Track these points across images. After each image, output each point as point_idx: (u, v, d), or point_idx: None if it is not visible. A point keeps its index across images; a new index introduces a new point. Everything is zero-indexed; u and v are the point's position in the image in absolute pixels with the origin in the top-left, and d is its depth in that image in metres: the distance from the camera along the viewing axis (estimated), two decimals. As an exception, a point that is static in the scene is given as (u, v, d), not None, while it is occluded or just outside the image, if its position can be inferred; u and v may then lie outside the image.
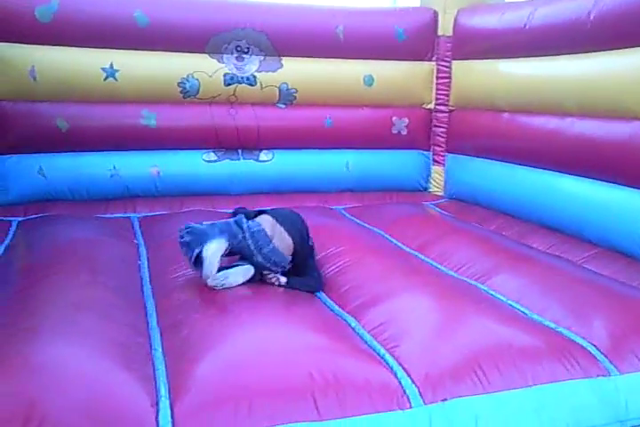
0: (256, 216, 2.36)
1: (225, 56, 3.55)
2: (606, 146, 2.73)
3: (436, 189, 4.09)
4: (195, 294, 2.12)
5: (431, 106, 4.00)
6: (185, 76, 3.50)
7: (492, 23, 3.48)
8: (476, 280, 2.38)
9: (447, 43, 3.86)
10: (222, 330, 1.80)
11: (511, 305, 2.13)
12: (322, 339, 1.78)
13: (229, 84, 3.59)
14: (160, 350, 1.75)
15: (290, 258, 2.26)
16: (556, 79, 3.03)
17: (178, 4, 3.48)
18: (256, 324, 1.86)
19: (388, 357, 1.72)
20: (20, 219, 3.18)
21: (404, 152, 4.02)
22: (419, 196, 4.01)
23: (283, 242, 2.24)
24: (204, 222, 2.31)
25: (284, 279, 2.25)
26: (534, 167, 3.20)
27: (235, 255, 2.27)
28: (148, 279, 2.36)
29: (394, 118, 3.93)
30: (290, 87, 3.70)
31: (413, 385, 1.59)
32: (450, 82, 3.90)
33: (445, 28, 3.86)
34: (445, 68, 3.90)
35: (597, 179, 2.80)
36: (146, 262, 2.57)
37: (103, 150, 3.49)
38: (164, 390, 1.51)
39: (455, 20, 3.80)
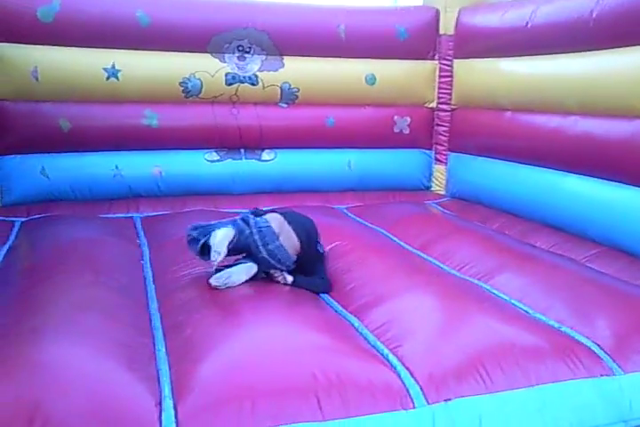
0: (265, 214, 2.36)
1: (227, 56, 3.55)
2: (609, 144, 2.73)
3: (438, 188, 4.09)
4: (198, 294, 2.12)
5: (433, 105, 4.00)
6: (187, 76, 3.50)
7: (493, 22, 3.47)
8: (479, 279, 2.38)
9: (449, 41, 3.86)
10: (225, 330, 1.80)
11: (514, 304, 2.12)
12: (325, 339, 1.78)
13: (231, 84, 3.59)
14: (163, 350, 1.75)
15: (295, 258, 2.25)
16: (559, 78, 3.02)
17: (179, 3, 3.48)
18: (259, 324, 1.86)
19: (391, 357, 1.72)
20: (22, 219, 3.18)
21: (406, 151, 4.02)
22: (421, 195, 4.01)
23: (289, 240, 2.23)
24: (213, 221, 2.31)
25: (290, 278, 2.24)
26: (537, 166, 3.20)
27: (239, 254, 2.26)
28: (151, 279, 2.37)
29: (396, 117, 3.93)
30: (292, 86, 3.70)
31: (417, 385, 1.59)
32: (452, 81, 3.90)
33: (447, 26, 3.85)
34: (447, 67, 3.90)
35: (600, 177, 2.79)
36: (149, 262, 2.57)
37: (105, 150, 3.49)
38: (167, 391, 1.51)
39: (457, 19, 3.80)
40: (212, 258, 2.11)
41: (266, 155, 3.78)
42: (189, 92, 3.54)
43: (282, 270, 2.24)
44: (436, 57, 3.92)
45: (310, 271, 2.32)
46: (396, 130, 3.95)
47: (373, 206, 3.66)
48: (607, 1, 2.67)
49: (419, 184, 4.08)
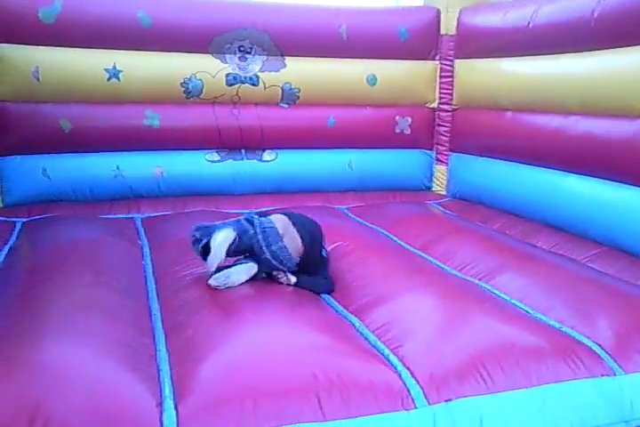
0: (269, 215, 2.35)
1: (228, 56, 3.56)
2: (610, 144, 2.73)
3: (439, 189, 4.09)
4: (199, 294, 2.12)
5: (434, 105, 4.00)
6: (188, 77, 3.50)
7: (495, 22, 3.47)
8: (480, 279, 2.38)
9: (450, 42, 3.86)
10: (226, 330, 1.80)
11: (515, 304, 2.12)
12: (326, 339, 1.78)
13: (232, 85, 3.60)
14: (164, 350, 1.75)
15: (297, 260, 2.24)
16: (560, 78, 3.02)
17: (180, 4, 3.49)
18: (260, 324, 1.86)
19: (392, 357, 1.72)
20: (23, 220, 3.19)
21: (407, 151, 4.02)
22: (422, 195, 4.00)
23: (293, 242, 2.23)
24: (217, 222, 2.31)
25: (293, 279, 2.24)
26: (538, 166, 3.19)
27: (242, 254, 2.26)
28: (152, 279, 2.37)
29: (397, 117, 3.93)
30: (293, 87, 3.70)
31: (417, 385, 1.59)
32: (453, 81, 3.90)
33: (448, 26, 3.85)
34: (448, 67, 3.90)
35: (601, 177, 2.79)
36: (150, 263, 2.57)
37: (107, 151, 3.49)
38: (168, 391, 1.51)
39: (458, 19, 3.80)
40: (210, 261, 2.11)
41: (267, 155, 3.78)
42: (190, 93, 3.54)
43: (285, 271, 2.24)
44: (437, 57, 3.92)
45: (313, 273, 2.31)
46: (397, 130, 3.95)
47: (374, 207, 3.66)
48: (608, 1, 2.67)
49: (420, 184, 4.08)
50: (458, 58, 3.84)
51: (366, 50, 3.78)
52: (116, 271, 2.35)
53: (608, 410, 1.65)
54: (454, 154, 3.96)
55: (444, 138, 4.02)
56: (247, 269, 2.20)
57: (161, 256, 2.62)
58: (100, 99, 3.42)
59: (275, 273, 2.25)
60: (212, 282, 2.12)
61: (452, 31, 3.84)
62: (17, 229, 3.01)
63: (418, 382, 1.60)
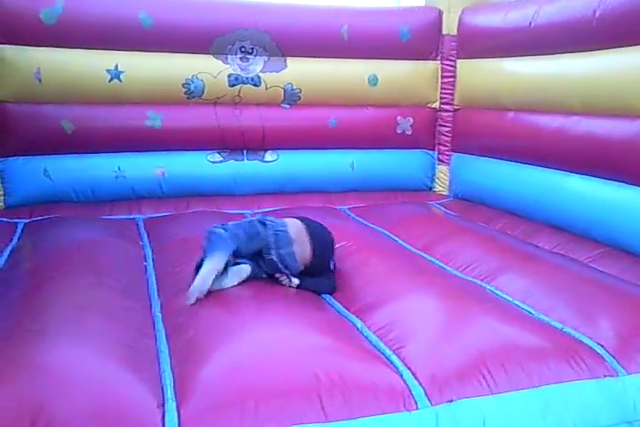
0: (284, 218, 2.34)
1: (229, 57, 3.56)
2: (612, 144, 2.72)
3: (441, 189, 4.09)
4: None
5: (436, 105, 3.99)
6: (189, 77, 3.50)
7: (496, 22, 3.47)
8: (482, 280, 2.37)
9: (452, 42, 3.85)
10: (228, 331, 1.80)
11: (517, 305, 2.12)
12: (327, 340, 1.78)
13: (234, 85, 3.60)
14: (166, 351, 1.75)
15: (302, 268, 2.22)
16: (562, 78, 3.02)
17: (182, 5, 3.49)
18: (261, 325, 1.86)
19: (393, 358, 1.72)
20: (25, 221, 3.19)
21: (408, 152, 4.02)
22: (424, 195, 4.00)
23: (302, 249, 2.20)
24: (230, 222, 2.31)
25: (296, 281, 2.23)
26: (540, 166, 3.19)
27: (250, 256, 2.23)
28: (153, 280, 2.36)
29: (398, 118, 3.93)
30: (294, 87, 3.70)
31: (420, 386, 1.59)
32: (454, 81, 3.89)
33: (450, 27, 3.85)
34: (450, 68, 3.89)
35: (603, 177, 2.79)
36: (151, 263, 2.57)
37: (108, 152, 3.49)
38: (170, 392, 1.51)
39: (460, 19, 3.79)
40: (190, 292, 2.01)
41: (268, 156, 3.78)
42: (192, 94, 3.54)
43: (287, 275, 2.23)
44: (439, 57, 3.91)
45: (317, 276, 2.29)
46: (399, 130, 3.95)
47: (376, 207, 3.66)
48: (610, 0, 2.66)
49: (421, 185, 4.08)
50: (459, 58, 3.83)
51: (368, 50, 3.77)
52: (118, 272, 2.35)
53: (611, 411, 1.64)
54: (456, 154, 3.96)
55: (445, 138, 4.01)
56: (238, 272, 2.17)
57: (163, 257, 2.62)
58: (102, 100, 3.42)
59: (277, 275, 2.24)
60: (188, 301, 2.02)
61: (454, 31, 3.84)
62: (19, 231, 3.01)
63: (420, 383, 1.60)
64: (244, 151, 3.74)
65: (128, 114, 3.49)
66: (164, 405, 1.46)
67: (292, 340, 1.76)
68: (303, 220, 2.33)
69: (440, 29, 3.87)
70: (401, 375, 1.63)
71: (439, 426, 1.52)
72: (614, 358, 1.76)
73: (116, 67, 3.36)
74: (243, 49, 3.56)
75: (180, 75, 3.49)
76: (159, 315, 2.02)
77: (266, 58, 3.61)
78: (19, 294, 2.11)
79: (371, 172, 3.93)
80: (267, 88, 3.65)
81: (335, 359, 1.65)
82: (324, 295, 2.25)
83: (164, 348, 1.77)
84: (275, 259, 2.18)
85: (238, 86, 3.61)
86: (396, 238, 2.96)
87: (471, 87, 3.79)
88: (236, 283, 2.15)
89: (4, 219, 3.21)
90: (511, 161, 3.41)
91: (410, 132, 3.96)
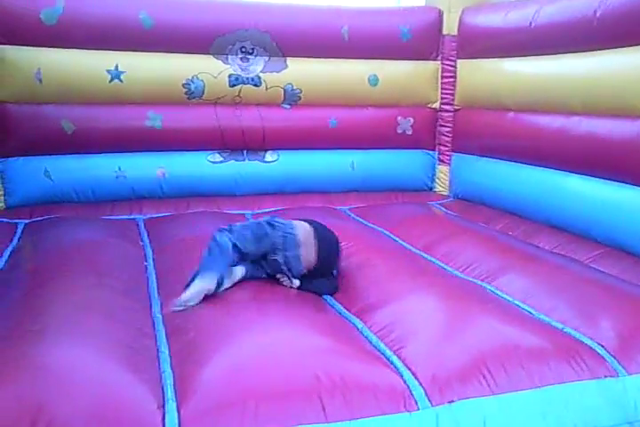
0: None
1: (230, 57, 3.56)
2: (613, 145, 2.72)
3: (441, 189, 4.08)
4: (201, 296, 2.12)
5: (436, 105, 3.99)
6: (190, 78, 3.50)
7: (497, 22, 3.47)
8: (483, 280, 2.37)
9: (452, 42, 3.85)
10: (228, 332, 1.80)
11: (518, 305, 2.12)
12: (328, 341, 1.78)
13: (234, 85, 3.60)
14: (167, 352, 1.74)
15: (304, 272, 2.22)
16: (562, 78, 3.02)
17: (182, 5, 3.49)
18: (262, 326, 1.86)
19: (394, 358, 1.71)
20: (26, 221, 3.19)
21: (409, 152, 4.02)
22: (424, 195, 4.00)
23: (308, 254, 2.20)
24: (238, 223, 2.31)
25: (297, 282, 2.22)
26: (540, 166, 3.19)
27: (258, 259, 2.23)
28: (154, 281, 2.36)
29: (399, 118, 3.93)
30: (294, 88, 3.70)
31: (420, 387, 1.59)
32: (455, 81, 3.89)
33: (450, 27, 3.85)
34: (450, 68, 3.89)
35: (604, 178, 2.79)
36: (152, 264, 2.56)
37: (109, 152, 3.49)
38: (170, 393, 1.51)
39: (460, 19, 3.79)
40: (176, 303, 2.00)
41: (269, 156, 3.78)
42: (192, 94, 3.54)
43: (289, 276, 2.23)
44: (439, 57, 3.91)
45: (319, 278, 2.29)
46: (399, 131, 3.95)
47: (376, 207, 3.66)
48: (611, 0, 2.66)
49: (422, 185, 4.08)
50: (460, 58, 3.83)
51: (368, 50, 3.77)
52: (118, 272, 2.35)
53: (612, 412, 1.64)
54: (456, 154, 3.95)
55: (446, 138, 4.01)
56: (231, 274, 2.16)
57: (163, 257, 2.62)
58: (102, 100, 3.42)
59: (278, 276, 2.24)
60: (175, 308, 2.02)
61: (454, 31, 3.84)
62: (19, 231, 3.01)
63: (420, 384, 1.60)
64: (245, 151, 3.74)
65: (128, 114, 3.49)
66: (164, 405, 1.46)
67: (293, 341, 1.76)
68: (311, 223, 2.32)
69: (440, 29, 3.87)
70: (401, 376, 1.62)
71: (440, 427, 1.52)
72: (615, 358, 1.76)
73: (117, 67, 3.36)
74: (243, 49, 3.56)
75: (181, 75, 3.49)
76: (159, 315, 2.02)
77: (266, 58, 3.61)
78: (19, 294, 2.11)
79: (371, 172, 3.93)
80: (267, 88, 3.65)
81: (336, 360, 1.65)
82: (324, 296, 2.25)
83: (164, 348, 1.77)
84: (280, 260, 2.18)
85: (239, 86, 3.61)
86: (397, 239, 2.96)
87: (472, 87, 3.79)
88: (229, 285, 2.14)
89: (5, 219, 3.21)
90: (512, 161, 3.41)
91: (410, 133, 3.96)
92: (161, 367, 1.65)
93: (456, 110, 3.93)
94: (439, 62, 3.92)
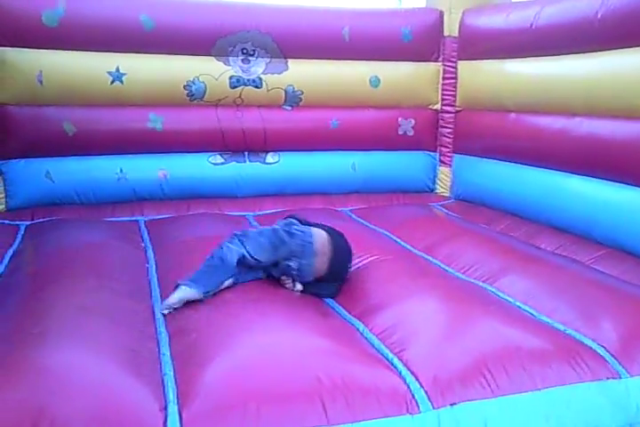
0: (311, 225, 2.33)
1: (231, 59, 3.56)
2: (615, 145, 2.72)
3: (442, 190, 4.08)
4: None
5: (437, 106, 3.99)
6: (191, 79, 3.51)
7: (498, 23, 3.46)
8: (484, 282, 2.37)
9: (453, 43, 3.85)
10: (230, 334, 1.80)
11: (519, 307, 2.11)
12: (329, 343, 1.78)
13: (235, 87, 3.60)
14: (168, 354, 1.74)
15: (312, 279, 2.22)
16: (564, 79, 3.02)
17: (183, 7, 3.49)
18: (263, 328, 1.86)
19: (396, 361, 1.71)
20: (27, 223, 3.19)
21: (410, 153, 4.02)
22: (425, 197, 4.00)
23: (320, 263, 2.20)
24: (251, 229, 2.31)
25: (299, 286, 2.22)
26: (542, 167, 3.19)
27: (272, 266, 2.24)
28: (155, 282, 2.36)
29: (400, 119, 3.93)
30: (296, 89, 3.70)
31: (422, 389, 1.58)
32: (456, 82, 3.89)
33: (451, 28, 3.85)
34: (451, 69, 3.89)
35: (606, 179, 2.78)
36: (154, 266, 2.56)
37: (110, 154, 3.49)
38: (172, 395, 1.51)
39: (461, 21, 3.79)
40: (164, 305, 2.04)
41: (270, 157, 3.78)
42: (193, 96, 3.54)
43: (294, 280, 2.23)
44: (441, 59, 3.91)
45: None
46: (401, 132, 3.95)
47: (378, 209, 3.66)
48: (612, 1, 2.66)
49: (423, 186, 4.07)
50: (461, 59, 3.83)
51: (369, 52, 3.77)
52: (120, 274, 2.35)
53: (614, 413, 1.64)
54: (458, 155, 3.95)
55: (447, 140, 4.01)
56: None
57: (165, 259, 2.61)
58: (104, 102, 3.42)
59: (283, 278, 2.24)
60: (163, 311, 2.04)
61: (455, 33, 3.83)
62: (21, 233, 3.01)
63: (422, 386, 1.60)
64: (246, 153, 3.74)
65: (130, 116, 3.49)
66: (166, 408, 1.46)
67: (295, 343, 1.76)
68: (329, 232, 2.32)
69: (441, 31, 3.87)
70: (403, 378, 1.62)
71: (441, 429, 1.52)
72: (617, 359, 1.75)
73: (118, 69, 3.36)
74: (244, 51, 3.56)
75: (182, 77, 3.50)
76: (161, 318, 2.02)
77: (267, 59, 3.62)
78: (20, 296, 2.11)
79: (372, 173, 3.93)
80: (268, 90, 3.65)
81: (337, 362, 1.65)
82: (326, 299, 2.24)
83: (165, 351, 1.76)
84: (294, 266, 2.17)
85: (240, 88, 3.61)
86: (398, 240, 2.96)
87: (473, 88, 3.78)
88: (225, 286, 2.15)
89: (6, 221, 3.21)
90: (513, 162, 3.41)
91: (411, 134, 3.96)
92: (162, 369, 1.65)
93: (457, 111, 3.93)
94: (440, 63, 3.92)
